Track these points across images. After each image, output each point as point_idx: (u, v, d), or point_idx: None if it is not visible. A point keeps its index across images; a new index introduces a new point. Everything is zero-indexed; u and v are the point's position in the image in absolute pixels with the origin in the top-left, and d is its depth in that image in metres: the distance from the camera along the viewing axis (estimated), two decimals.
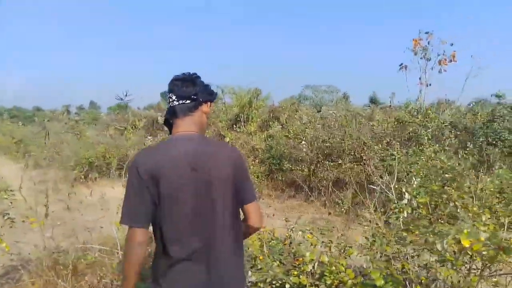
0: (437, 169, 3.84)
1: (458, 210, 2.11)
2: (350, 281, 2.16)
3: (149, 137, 12.28)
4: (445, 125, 7.77)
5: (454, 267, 2.15)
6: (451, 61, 9.61)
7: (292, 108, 14.12)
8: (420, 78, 9.91)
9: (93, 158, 10.14)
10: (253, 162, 9.64)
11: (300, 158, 9.00)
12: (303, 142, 8.59)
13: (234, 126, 13.72)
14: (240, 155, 1.60)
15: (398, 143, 7.12)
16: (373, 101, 41.82)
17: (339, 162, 7.99)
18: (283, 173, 9.11)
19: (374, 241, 2.53)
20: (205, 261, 1.44)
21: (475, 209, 2.26)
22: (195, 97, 1.55)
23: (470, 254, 2.28)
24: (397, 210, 2.70)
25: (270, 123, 13.44)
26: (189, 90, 1.54)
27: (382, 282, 2.00)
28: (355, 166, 7.49)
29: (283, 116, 13.69)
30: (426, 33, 9.72)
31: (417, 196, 2.73)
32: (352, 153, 7.98)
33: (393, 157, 6.22)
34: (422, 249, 2.26)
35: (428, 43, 9.77)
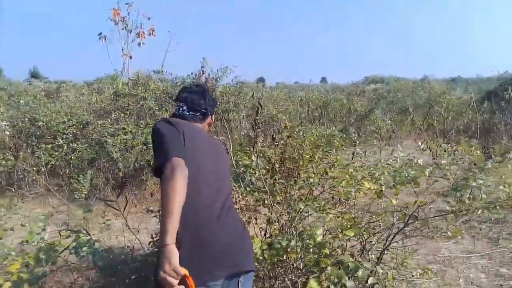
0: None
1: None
2: None
3: None
4: (164, 96, 7.57)
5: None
6: (150, 34, 9.49)
7: None
8: (122, 50, 9.44)
9: None
10: None
11: None
12: (4, 123, 6.92)
13: None
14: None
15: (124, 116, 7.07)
16: (35, 75, 34.10)
17: (59, 143, 7.13)
18: None
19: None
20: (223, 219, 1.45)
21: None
22: (204, 111, 1.68)
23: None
24: (251, 170, 2.83)
25: None
26: (201, 103, 1.66)
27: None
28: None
29: None
30: (126, 3, 9.30)
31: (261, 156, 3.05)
32: (72, 132, 7.16)
33: (125, 131, 6.98)
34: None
35: (128, 14, 9.45)
